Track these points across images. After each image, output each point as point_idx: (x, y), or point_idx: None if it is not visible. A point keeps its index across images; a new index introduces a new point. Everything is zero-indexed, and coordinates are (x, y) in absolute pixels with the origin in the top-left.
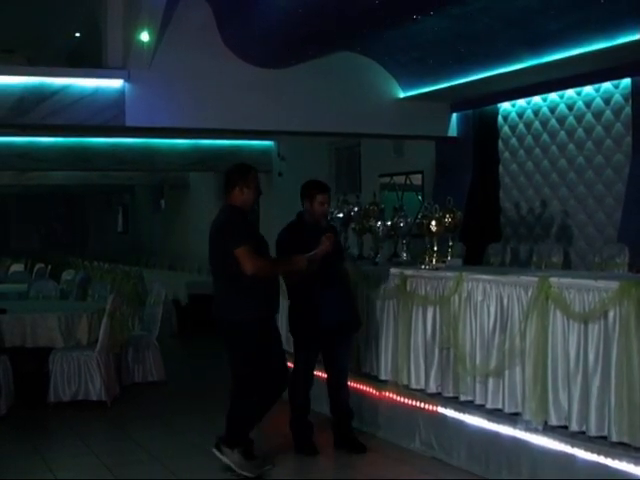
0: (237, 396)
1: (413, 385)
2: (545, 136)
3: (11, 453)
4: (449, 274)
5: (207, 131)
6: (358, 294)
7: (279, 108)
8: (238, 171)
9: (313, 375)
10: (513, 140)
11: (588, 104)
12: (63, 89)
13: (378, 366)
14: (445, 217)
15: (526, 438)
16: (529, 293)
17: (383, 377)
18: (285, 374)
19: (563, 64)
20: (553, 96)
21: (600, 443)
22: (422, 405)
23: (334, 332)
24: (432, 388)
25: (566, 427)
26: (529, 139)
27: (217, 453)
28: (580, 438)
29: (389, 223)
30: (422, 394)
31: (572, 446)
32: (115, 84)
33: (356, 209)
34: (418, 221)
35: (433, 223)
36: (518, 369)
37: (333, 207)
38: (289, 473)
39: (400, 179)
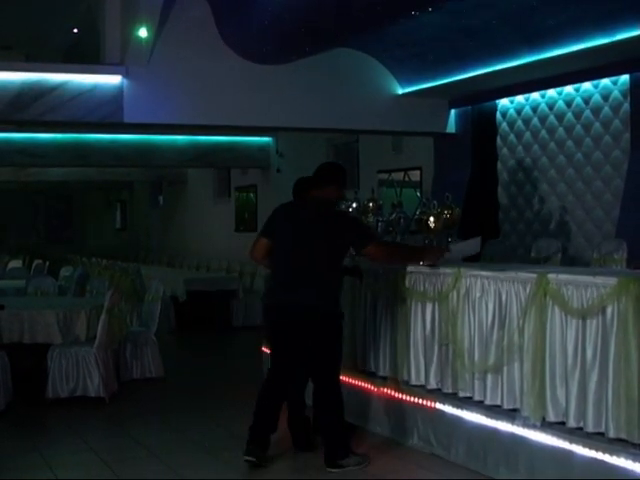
0: (328, 397)
1: (413, 381)
2: (543, 132)
3: (9, 450)
4: (447, 270)
5: (205, 127)
6: (356, 291)
7: (277, 104)
8: (336, 170)
9: None
10: (511, 136)
11: (587, 100)
12: (61, 85)
13: (377, 362)
14: (443, 213)
15: (524, 434)
16: (527, 289)
17: (382, 374)
18: None
19: (561, 60)
20: (551, 92)
21: (598, 439)
22: (421, 401)
23: None
24: (432, 384)
25: (564, 423)
26: (527, 135)
27: (336, 470)
28: (578, 434)
29: (387, 219)
30: (421, 390)
31: (570, 442)
32: (113, 80)
33: (354, 205)
34: (417, 217)
35: (431, 219)
36: (516, 365)
37: None
38: (287, 470)
39: (398, 175)
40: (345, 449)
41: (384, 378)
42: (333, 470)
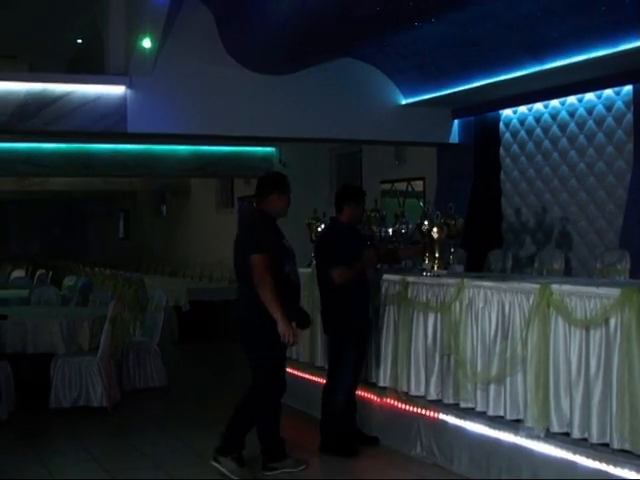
0: (251, 401)
1: (413, 392)
2: (546, 143)
3: (12, 459)
4: (450, 281)
5: (208, 137)
6: None
7: (280, 114)
8: (276, 178)
9: None
10: (514, 147)
11: (590, 111)
12: (65, 95)
13: (378, 373)
14: (446, 223)
15: (528, 445)
16: (530, 300)
17: (383, 384)
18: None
19: (565, 71)
20: (554, 103)
21: (602, 450)
22: (423, 412)
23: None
24: (432, 395)
25: (568, 434)
26: (530, 145)
27: (215, 464)
28: (582, 445)
29: (390, 229)
30: (423, 400)
31: (574, 453)
32: (117, 91)
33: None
34: (420, 228)
35: (435, 229)
36: (519, 376)
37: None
38: (286, 478)
39: (402, 186)
40: (226, 448)
41: (385, 388)
42: (212, 463)
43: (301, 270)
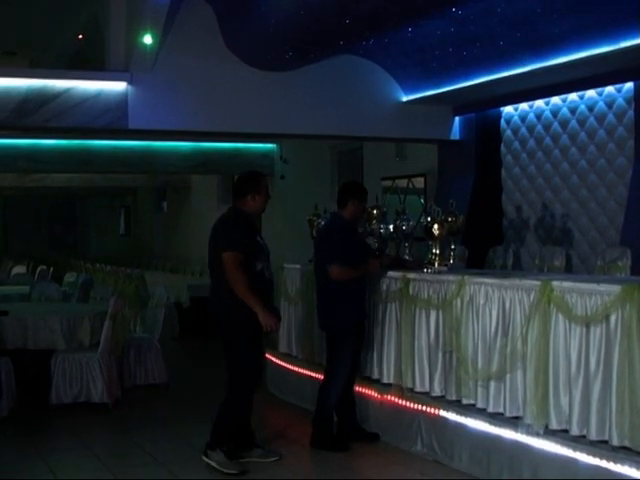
0: (230, 397)
1: (417, 388)
2: (548, 140)
3: (12, 455)
4: (451, 278)
5: (209, 134)
6: None
7: (281, 111)
8: (251, 179)
9: None
10: (515, 143)
11: (591, 108)
12: (66, 92)
13: (381, 369)
14: (447, 220)
15: (527, 442)
16: (531, 297)
17: (385, 380)
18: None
19: (566, 67)
20: (556, 100)
21: (601, 447)
22: (424, 408)
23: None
24: (436, 391)
25: (567, 431)
26: (532, 142)
27: (205, 459)
28: (581, 442)
29: (391, 226)
30: (424, 397)
31: (573, 450)
32: (118, 87)
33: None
34: (421, 224)
35: (435, 226)
36: (519, 373)
37: None
38: (287, 474)
39: (402, 182)
40: (213, 443)
41: (388, 385)
42: (203, 458)
43: (301, 267)
